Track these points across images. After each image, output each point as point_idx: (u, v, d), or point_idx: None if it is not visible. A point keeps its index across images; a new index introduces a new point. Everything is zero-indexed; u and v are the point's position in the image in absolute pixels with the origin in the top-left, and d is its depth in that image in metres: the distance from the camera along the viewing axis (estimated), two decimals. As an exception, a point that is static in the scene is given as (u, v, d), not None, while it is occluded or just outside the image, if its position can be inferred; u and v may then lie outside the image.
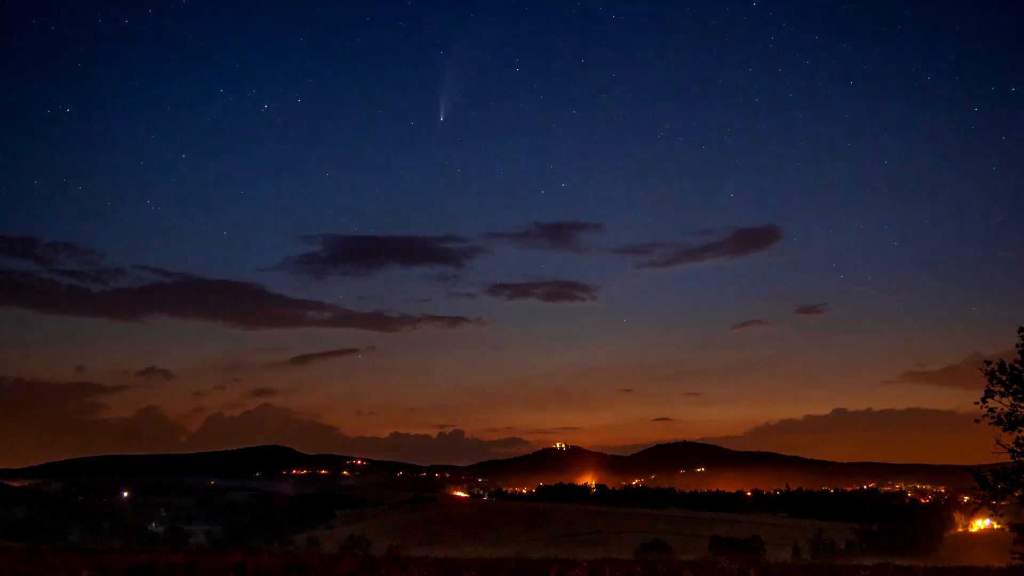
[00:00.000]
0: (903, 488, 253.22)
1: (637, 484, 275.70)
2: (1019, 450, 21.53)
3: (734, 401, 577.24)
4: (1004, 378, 21.87)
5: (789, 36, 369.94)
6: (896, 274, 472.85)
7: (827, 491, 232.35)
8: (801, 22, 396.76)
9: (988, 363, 22.04)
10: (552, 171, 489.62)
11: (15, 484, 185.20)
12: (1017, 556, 23.61)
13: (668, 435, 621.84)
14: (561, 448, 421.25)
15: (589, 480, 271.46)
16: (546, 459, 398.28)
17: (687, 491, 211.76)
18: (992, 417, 21.92)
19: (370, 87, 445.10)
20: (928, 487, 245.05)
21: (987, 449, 21.98)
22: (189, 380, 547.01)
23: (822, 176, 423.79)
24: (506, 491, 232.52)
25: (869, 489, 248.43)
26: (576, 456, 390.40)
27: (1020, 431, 21.72)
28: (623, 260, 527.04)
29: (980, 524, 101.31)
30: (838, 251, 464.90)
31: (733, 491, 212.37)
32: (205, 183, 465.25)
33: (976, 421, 22.05)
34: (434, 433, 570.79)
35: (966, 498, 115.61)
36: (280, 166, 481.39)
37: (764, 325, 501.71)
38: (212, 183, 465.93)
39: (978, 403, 22.06)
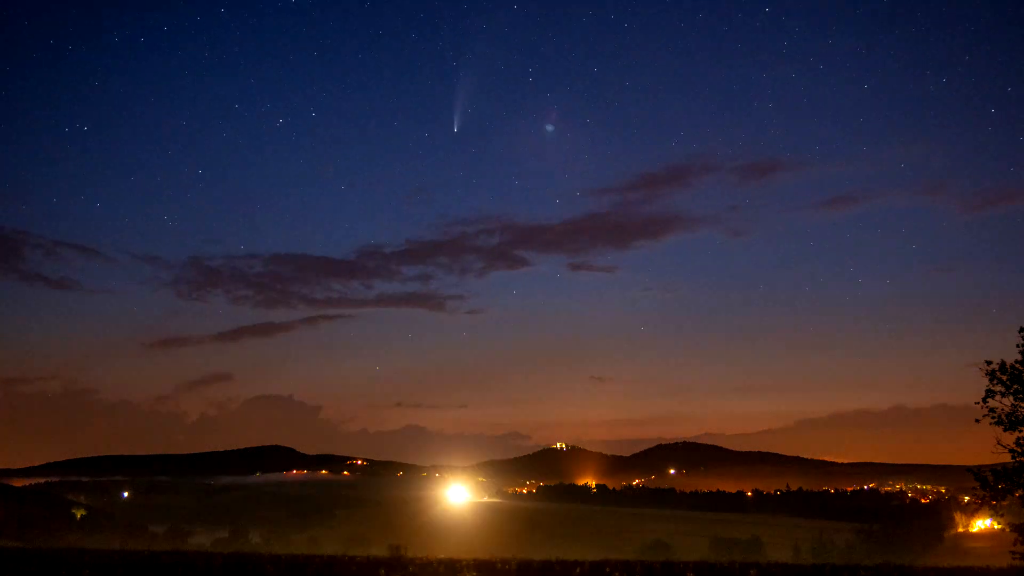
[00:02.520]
0: (903, 488, 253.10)
1: (637, 484, 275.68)
2: (1019, 450, 21.52)
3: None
4: (1004, 378, 21.86)
5: (802, 40, 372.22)
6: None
7: (827, 491, 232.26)
8: (812, 26, 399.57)
9: (989, 363, 22.03)
10: (567, 180, 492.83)
11: (16, 483, 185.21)
12: (1017, 556, 23.59)
13: (670, 435, 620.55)
14: (561, 448, 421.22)
15: (589, 480, 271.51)
16: (546, 459, 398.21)
17: (687, 491, 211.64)
18: (992, 417, 21.92)
19: (384, 99, 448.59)
20: (928, 487, 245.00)
21: (987, 449, 21.99)
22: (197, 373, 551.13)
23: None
24: (506, 491, 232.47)
25: (869, 489, 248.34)
26: (576, 456, 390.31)
27: (1020, 431, 21.71)
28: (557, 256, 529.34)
29: (980, 524, 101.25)
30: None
31: (733, 491, 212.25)
32: (222, 198, 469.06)
33: (976, 421, 22.06)
34: (435, 430, 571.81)
35: (966, 498, 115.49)
36: (296, 179, 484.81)
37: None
38: (228, 197, 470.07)
39: (978, 403, 22.07)
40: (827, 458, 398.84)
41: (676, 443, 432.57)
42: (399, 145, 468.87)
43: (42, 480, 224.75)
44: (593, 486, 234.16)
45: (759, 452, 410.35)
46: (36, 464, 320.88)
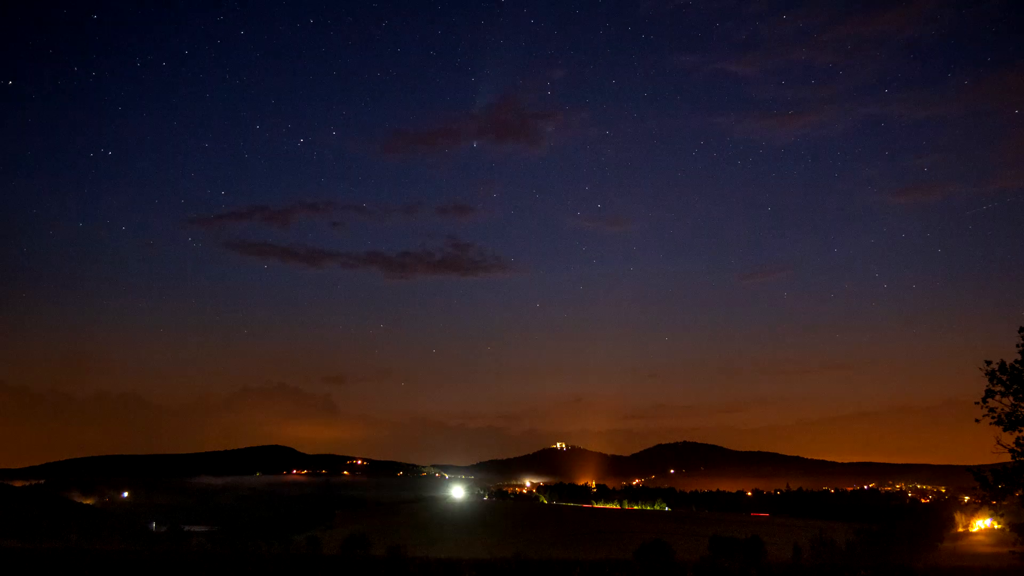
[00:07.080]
0: (903, 488, 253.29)
1: (637, 484, 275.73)
2: (1019, 450, 21.49)
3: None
4: (1004, 378, 21.83)
5: (815, 46, 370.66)
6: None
7: (827, 491, 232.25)
8: (824, 32, 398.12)
9: (988, 363, 22.00)
10: (588, 191, 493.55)
11: (16, 484, 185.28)
12: (1017, 556, 23.59)
13: (670, 435, 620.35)
14: (562, 448, 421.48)
15: (589, 480, 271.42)
16: (546, 459, 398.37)
17: (687, 491, 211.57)
18: (992, 417, 21.89)
19: (403, 115, 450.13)
20: (928, 487, 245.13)
21: (987, 449, 21.97)
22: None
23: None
24: (506, 491, 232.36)
25: (869, 489, 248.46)
26: (576, 456, 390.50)
27: (1020, 431, 21.69)
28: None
29: (980, 524, 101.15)
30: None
31: (733, 491, 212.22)
32: (245, 219, 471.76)
33: (976, 421, 22.03)
34: (434, 429, 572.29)
35: (966, 498, 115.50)
36: (317, 197, 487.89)
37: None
38: (251, 218, 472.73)
39: (978, 403, 22.04)
40: (827, 458, 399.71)
41: (676, 443, 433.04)
42: (418, 161, 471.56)
43: (42, 480, 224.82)
44: (593, 486, 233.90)
45: (759, 452, 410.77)
46: (36, 464, 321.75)
